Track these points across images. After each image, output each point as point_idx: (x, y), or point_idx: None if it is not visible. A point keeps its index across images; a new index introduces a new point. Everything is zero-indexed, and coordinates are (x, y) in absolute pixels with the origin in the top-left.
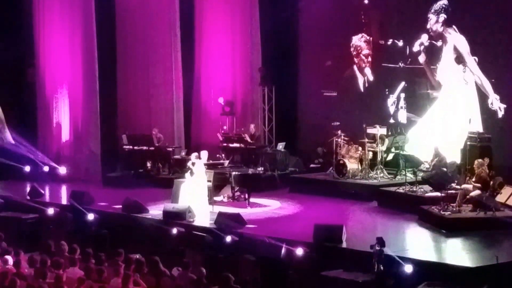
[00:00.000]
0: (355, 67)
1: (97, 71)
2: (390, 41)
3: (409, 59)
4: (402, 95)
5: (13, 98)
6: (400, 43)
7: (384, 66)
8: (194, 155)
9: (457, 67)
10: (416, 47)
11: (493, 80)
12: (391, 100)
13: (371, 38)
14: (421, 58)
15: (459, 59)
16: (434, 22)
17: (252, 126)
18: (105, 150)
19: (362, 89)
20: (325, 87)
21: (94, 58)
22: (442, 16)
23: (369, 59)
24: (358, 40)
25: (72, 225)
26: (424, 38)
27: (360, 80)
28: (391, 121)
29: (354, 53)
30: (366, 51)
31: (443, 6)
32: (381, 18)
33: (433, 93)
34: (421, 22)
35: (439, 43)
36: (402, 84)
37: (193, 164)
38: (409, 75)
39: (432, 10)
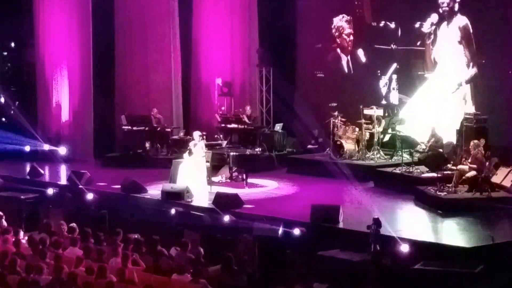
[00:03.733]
0: (338, 49)
1: (91, 51)
2: (382, 23)
3: (420, 37)
4: (394, 77)
5: (13, 78)
6: (392, 25)
7: (376, 47)
8: (198, 134)
9: (458, 48)
10: (427, 26)
11: (483, 61)
12: (383, 81)
13: (351, 18)
14: (428, 39)
15: (462, 41)
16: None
17: (248, 107)
18: (103, 130)
19: (346, 69)
20: (317, 68)
21: (89, 39)
22: None
23: (351, 37)
24: (339, 21)
25: (71, 205)
26: (434, 18)
27: (344, 61)
28: (383, 102)
29: (336, 34)
30: (347, 30)
31: None
32: (373, 1)
33: (428, 73)
34: (413, 3)
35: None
36: (394, 65)
37: (194, 144)
38: (401, 56)
39: None
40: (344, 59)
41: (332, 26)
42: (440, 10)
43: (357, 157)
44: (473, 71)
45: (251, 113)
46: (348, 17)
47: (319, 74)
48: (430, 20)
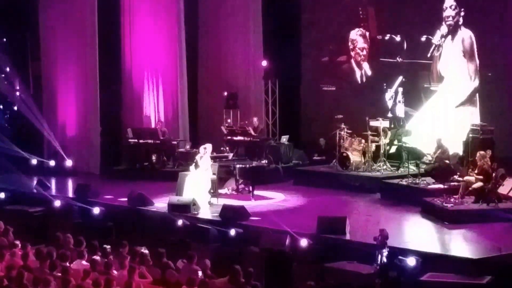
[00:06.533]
0: (352, 61)
1: (98, 63)
2: (387, 36)
3: (429, 49)
4: (400, 90)
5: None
6: (398, 38)
7: (382, 61)
8: (202, 147)
9: (463, 61)
10: (437, 38)
11: (489, 74)
12: (389, 94)
13: (367, 32)
14: (437, 51)
15: (465, 54)
16: (457, 12)
17: (255, 119)
18: (109, 144)
19: (359, 81)
20: (326, 81)
21: (96, 51)
22: (463, 10)
23: (364, 52)
24: (355, 34)
25: (78, 218)
26: (444, 30)
27: (357, 74)
28: (389, 115)
29: (351, 47)
30: (361, 44)
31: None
32: (378, 14)
33: (434, 86)
34: (418, 16)
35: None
36: (400, 78)
37: (200, 157)
38: (407, 69)
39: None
40: (358, 72)
41: (349, 39)
42: (446, 24)
43: (363, 168)
44: (475, 84)
45: (258, 124)
46: (364, 31)
47: (325, 87)
48: (440, 32)
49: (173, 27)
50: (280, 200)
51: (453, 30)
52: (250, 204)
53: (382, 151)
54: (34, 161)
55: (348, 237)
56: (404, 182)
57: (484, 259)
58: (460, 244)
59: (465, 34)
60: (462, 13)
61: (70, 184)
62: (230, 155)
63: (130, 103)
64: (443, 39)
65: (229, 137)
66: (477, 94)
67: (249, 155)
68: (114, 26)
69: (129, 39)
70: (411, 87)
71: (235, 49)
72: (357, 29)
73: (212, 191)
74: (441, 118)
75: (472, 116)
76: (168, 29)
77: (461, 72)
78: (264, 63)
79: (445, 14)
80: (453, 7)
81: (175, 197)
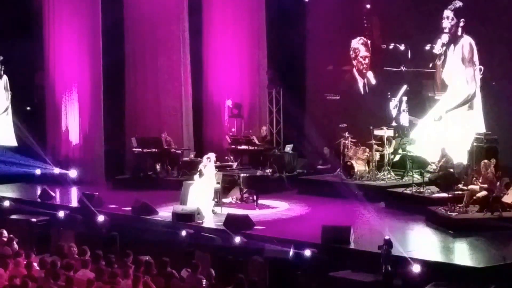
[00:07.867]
0: (354, 70)
1: (102, 73)
2: (392, 45)
3: (432, 58)
4: (404, 99)
5: (23, 101)
6: (402, 47)
7: (386, 69)
8: (205, 157)
9: (465, 69)
10: (438, 47)
11: (493, 83)
12: (393, 103)
13: (369, 41)
14: (439, 60)
15: (468, 61)
16: (454, 23)
17: (263, 128)
18: (113, 153)
19: (362, 91)
20: (329, 91)
21: (100, 61)
22: (462, 21)
23: (367, 61)
24: (357, 43)
25: (82, 227)
26: (445, 38)
27: (360, 83)
28: (393, 124)
29: (353, 55)
30: (363, 53)
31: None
32: (382, 23)
33: (438, 95)
34: (422, 25)
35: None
36: (404, 87)
37: (204, 166)
38: (411, 78)
39: (452, 14)
40: (361, 81)
41: (350, 48)
42: (446, 34)
43: (368, 177)
44: (471, 89)
45: (266, 134)
46: (365, 40)
47: (330, 96)
48: (440, 41)
49: (177, 35)
50: (284, 209)
51: (453, 39)
52: (254, 213)
53: (386, 160)
54: (38, 171)
55: (352, 246)
56: (408, 191)
57: (488, 268)
58: (464, 253)
59: (465, 42)
60: (462, 24)
61: (74, 193)
62: (235, 164)
63: (134, 111)
64: (444, 48)
65: (233, 146)
66: (481, 103)
67: (253, 164)
68: (118, 35)
69: (133, 48)
70: (415, 96)
71: (239, 58)
72: (358, 38)
73: (216, 200)
74: (445, 127)
75: (477, 125)
76: (171, 37)
77: (465, 80)
78: (268, 72)
79: (443, 25)
80: (449, 18)
81: (179, 206)
